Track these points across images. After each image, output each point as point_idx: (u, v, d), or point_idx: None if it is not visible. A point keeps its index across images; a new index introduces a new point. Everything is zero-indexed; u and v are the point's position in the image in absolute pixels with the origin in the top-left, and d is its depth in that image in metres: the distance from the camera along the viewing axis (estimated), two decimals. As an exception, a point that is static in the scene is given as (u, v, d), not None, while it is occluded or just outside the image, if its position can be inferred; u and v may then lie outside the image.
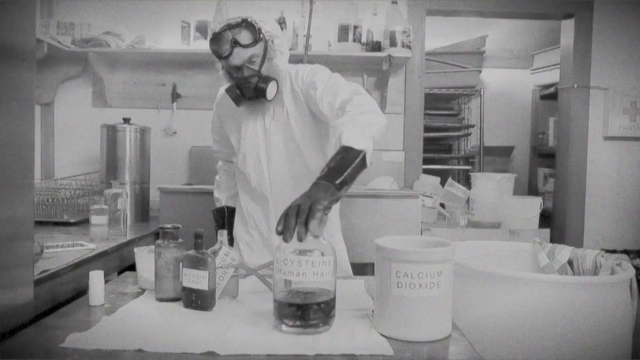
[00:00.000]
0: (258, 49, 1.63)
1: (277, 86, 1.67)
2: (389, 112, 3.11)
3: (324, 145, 1.75)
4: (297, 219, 1.09)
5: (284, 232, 1.09)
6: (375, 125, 1.39)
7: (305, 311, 1.11)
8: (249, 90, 1.64)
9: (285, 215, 1.11)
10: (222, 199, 2.05)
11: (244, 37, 1.60)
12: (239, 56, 1.62)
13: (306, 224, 1.09)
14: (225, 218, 1.96)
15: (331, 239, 1.58)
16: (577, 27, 3.18)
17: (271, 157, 1.75)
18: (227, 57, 1.61)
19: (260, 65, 1.64)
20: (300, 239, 1.08)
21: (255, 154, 1.76)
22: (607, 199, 3.21)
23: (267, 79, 1.64)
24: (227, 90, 1.69)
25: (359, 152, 1.29)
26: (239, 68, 1.64)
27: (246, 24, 1.59)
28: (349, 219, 2.45)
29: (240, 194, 1.90)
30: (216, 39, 1.61)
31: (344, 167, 1.26)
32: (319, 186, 1.20)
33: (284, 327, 1.12)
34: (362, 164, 1.30)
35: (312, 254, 1.12)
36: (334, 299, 1.16)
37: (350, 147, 1.30)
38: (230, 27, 1.60)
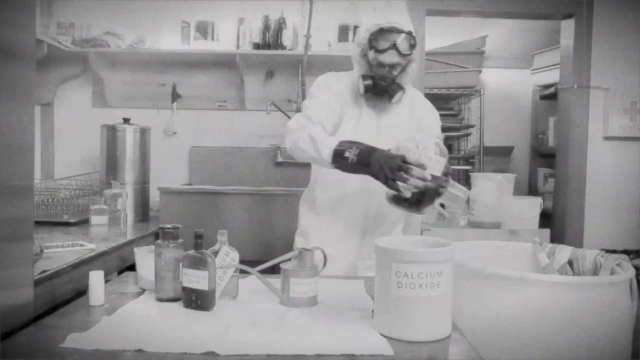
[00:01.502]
0: (405, 60, 1.78)
1: (402, 96, 1.82)
2: (389, 112, 3.11)
3: None
4: None
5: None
6: None
7: None
8: (382, 86, 1.78)
9: None
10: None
11: (403, 45, 1.74)
12: (391, 57, 1.75)
13: None
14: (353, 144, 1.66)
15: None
16: (577, 27, 3.18)
17: (379, 145, 1.78)
18: (383, 52, 1.74)
19: (398, 74, 1.80)
20: None
21: (367, 141, 1.71)
22: (607, 199, 3.21)
23: (399, 86, 1.80)
24: (363, 77, 1.79)
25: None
26: (383, 66, 1.77)
27: (410, 37, 1.75)
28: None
29: (331, 186, 1.86)
30: (382, 33, 1.74)
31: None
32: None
33: None
34: None
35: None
36: None
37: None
38: (395, 30, 1.74)
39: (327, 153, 1.59)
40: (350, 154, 1.56)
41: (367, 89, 1.79)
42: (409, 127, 1.90)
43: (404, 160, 1.48)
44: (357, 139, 1.69)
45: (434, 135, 1.79)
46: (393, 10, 1.83)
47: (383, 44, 1.74)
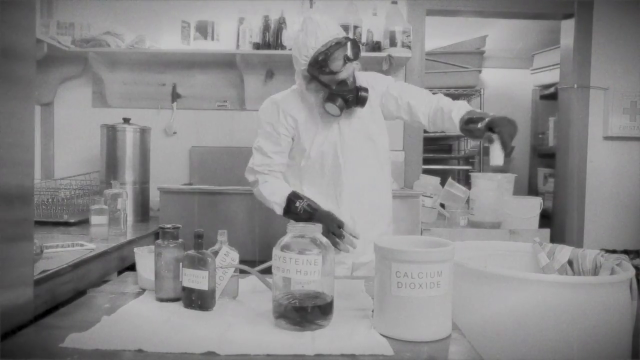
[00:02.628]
0: (355, 63, 1.80)
1: None
2: (389, 112, 3.12)
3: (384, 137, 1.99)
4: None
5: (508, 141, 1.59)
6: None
7: (299, 312, 1.13)
8: (353, 99, 1.80)
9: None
10: (286, 188, 1.94)
11: (353, 53, 1.75)
12: (347, 70, 1.77)
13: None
14: (303, 197, 1.87)
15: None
16: (577, 27, 3.18)
17: (345, 149, 1.90)
18: (338, 72, 1.75)
19: (354, 79, 1.82)
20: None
21: (333, 149, 1.89)
22: (607, 199, 3.21)
23: (364, 89, 1.81)
24: (330, 100, 1.79)
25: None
26: (342, 82, 1.78)
27: (352, 41, 1.75)
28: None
29: (309, 194, 1.92)
30: (328, 55, 1.72)
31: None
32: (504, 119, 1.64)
33: (281, 323, 1.15)
34: None
35: (311, 253, 1.13)
36: (330, 304, 1.16)
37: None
38: (339, 44, 1.72)
39: (278, 211, 1.89)
40: (300, 205, 1.83)
41: (342, 109, 1.79)
42: (371, 114, 1.92)
43: (339, 226, 1.78)
44: (321, 149, 1.87)
45: (458, 105, 1.82)
46: (313, 22, 1.76)
47: (336, 64, 1.72)
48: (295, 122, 1.89)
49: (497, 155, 1.63)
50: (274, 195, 1.89)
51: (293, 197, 1.86)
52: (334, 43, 1.71)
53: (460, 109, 1.78)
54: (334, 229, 1.77)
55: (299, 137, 1.90)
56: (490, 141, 1.64)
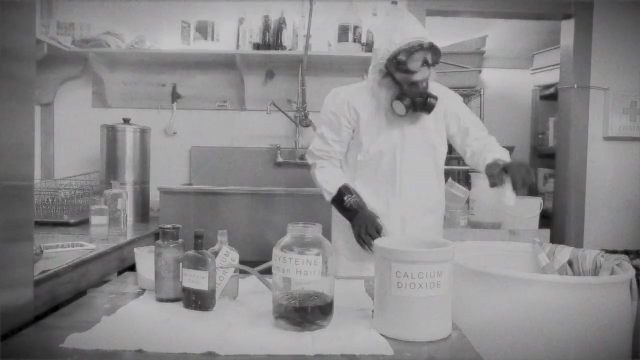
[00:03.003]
0: (432, 69, 1.81)
1: None
2: (389, 112, 3.11)
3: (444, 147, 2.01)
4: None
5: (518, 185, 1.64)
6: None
7: (299, 312, 1.13)
8: (421, 103, 1.81)
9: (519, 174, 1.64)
10: (339, 181, 1.93)
11: (433, 58, 1.78)
12: (423, 73, 1.78)
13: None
14: (353, 193, 1.89)
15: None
16: (577, 27, 3.18)
17: (404, 153, 1.91)
18: (414, 73, 1.77)
19: (427, 84, 1.83)
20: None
21: (392, 151, 1.90)
22: (607, 199, 3.21)
23: (434, 97, 1.83)
24: (399, 99, 1.81)
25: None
26: (414, 83, 1.79)
27: (434, 48, 1.76)
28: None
29: (360, 189, 1.94)
30: (409, 54, 1.74)
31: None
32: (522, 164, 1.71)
33: (281, 323, 1.15)
34: None
35: (311, 253, 1.13)
36: (330, 304, 1.16)
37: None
38: (422, 46, 1.74)
39: (327, 198, 1.92)
40: (347, 200, 1.87)
41: (408, 109, 1.81)
42: (435, 124, 1.93)
43: (377, 230, 1.79)
44: (380, 148, 1.88)
45: (499, 152, 1.84)
46: (400, 16, 1.81)
47: (414, 65, 1.75)
48: (357, 116, 1.91)
49: (507, 197, 1.67)
50: (327, 184, 1.92)
51: (344, 190, 1.88)
52: (418, 44, 1.74)
53: (495, 154, 1.79)
54: (371, 231, 1.79)
55: (359, 131, 1.92)
56: (501, 182, 1.68)
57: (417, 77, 1.77)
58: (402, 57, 1.74)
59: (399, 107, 1.81)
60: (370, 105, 1.91)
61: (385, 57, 1.77)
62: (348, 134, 1.94)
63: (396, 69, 1.78)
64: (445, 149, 1.99)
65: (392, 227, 1.88)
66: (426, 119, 1.89)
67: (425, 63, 1.76)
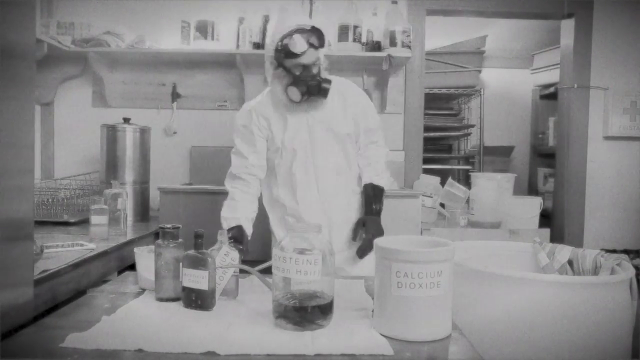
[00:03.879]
0: (321, 53, 1.85)
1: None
2: (389, 112, 3.11)
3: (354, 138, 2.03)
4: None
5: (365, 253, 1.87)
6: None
7: (299, 312, 1.13)
8: (315, 87, 1.83)
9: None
10: (239, 217, 1.92)
11: (315, 40, 1.80)
12: (310, 56, 1.80)
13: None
14: (244, 237, 1.87)
15: None
16: (577, 27, 3.18)
17: (315, 149, 1.95)
18: (301, 55, 1.79)
19: (319, 70, 1.86)
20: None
21: (303, 147, 1.94)
22: (607, 199, 3.21)
23: (327, 80, 1.86)
24: (292, 84, 1.83)
25: (382, 189, 2.01)
26: (305, 67, 1.81)
27: (316, 30, 1.80)
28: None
29: (283, 194, 1.98)
30: (290, 37, 1.78)
31: (379, 201, 1.98)
32: (375, 222, 1.94)
33: (281, 323, 1.15)
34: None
35: (311, 253, 1.14)
36: (330, 304, 1.16)
37: (378, 186, 1.99)
38: (302, 30, 1.78)
39: (224, 225, 1.89)
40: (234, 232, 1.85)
41: (303, 95, 1.83)
42: (344, 116, 1.96)
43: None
44: (293, 144, 1.93)
45: (382, 153, 2.04)
46: (288, 13, 1.87)
47: (297, 46, 1.78)
48: (267, 122, 1.96)
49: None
50: (225, 221, 1.90)
51: (236, 234, 1.85)
52: (298, 28, 1.78)
53: (370, 177, 1.99)
54: None
55: (272, 136, 1.95)
56: (357, 236, 1.91)
57: (304, 60, 1.80)
58: (285, 43, 1.77)
59: (293, 92, 1.83)
60: (275, 108, 1.95)
61: (272, 48, 1.82)
62: (262, 144, 1.97)
63: (284, 57, 1.80)
64: (355, 137, 2.01)
65: (316, 220, 1.84)
66: (334, 110, 1.93)
67: (311, 46, 1.78)
